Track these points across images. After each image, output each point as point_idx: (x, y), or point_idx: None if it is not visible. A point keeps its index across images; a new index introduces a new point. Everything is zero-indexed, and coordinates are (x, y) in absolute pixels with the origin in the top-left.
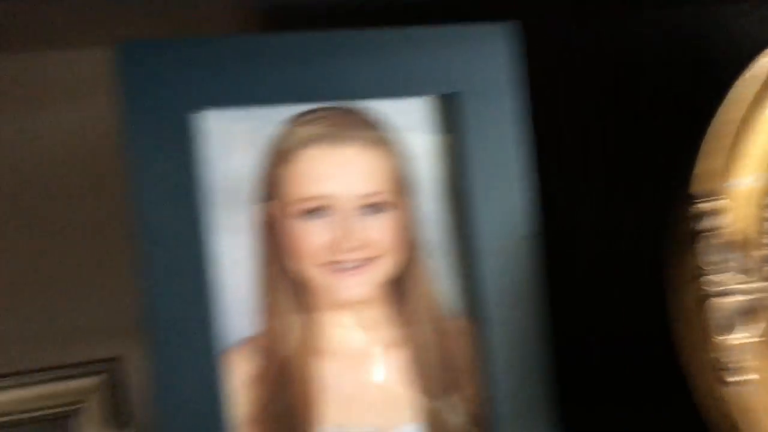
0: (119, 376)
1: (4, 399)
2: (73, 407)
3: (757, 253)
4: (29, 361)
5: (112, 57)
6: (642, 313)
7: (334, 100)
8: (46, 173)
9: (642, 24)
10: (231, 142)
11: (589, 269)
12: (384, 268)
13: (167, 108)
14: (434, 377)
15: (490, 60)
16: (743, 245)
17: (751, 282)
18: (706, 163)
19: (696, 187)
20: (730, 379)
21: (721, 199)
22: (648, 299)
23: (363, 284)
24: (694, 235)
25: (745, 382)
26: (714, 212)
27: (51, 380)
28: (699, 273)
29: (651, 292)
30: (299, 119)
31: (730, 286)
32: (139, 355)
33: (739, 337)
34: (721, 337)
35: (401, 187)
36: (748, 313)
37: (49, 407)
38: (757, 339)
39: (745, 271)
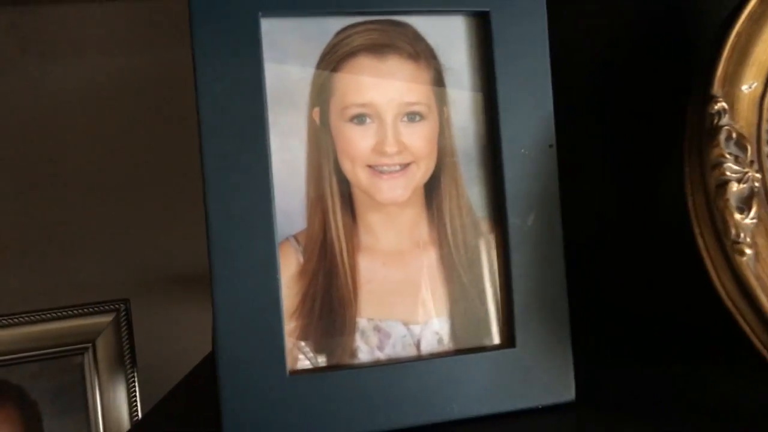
0: (128, 317)
1: (20, 335)
2: (84, 345)
3: (761, 149)
4: (46, 303)
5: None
6: (651, 240)
7: (380, 12)
8: (70, 125)
9: None
10: (287, 50)
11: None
12: (421, 173)
13: (231, 13)
14: (462, 275)
15: None
16: (748, 141)
17: (753, 172)
18: (718, 69)
19: (711, 89)
20: (745, 250)
21: (732, 100)
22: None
23: (402, 187)
24: (711, 131)
25: (755, 254)
26: (725, 111)
27: (64, 317)
28: (714, 162)
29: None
30: (348, 31)
31: (737, 175)
32: (146, 302)
33: (746, 217)
34: (737, 216)
35: (437, 99)
36: (750, 199)
37: (63, 344)
38: (755, 220)
39: (750, 163)
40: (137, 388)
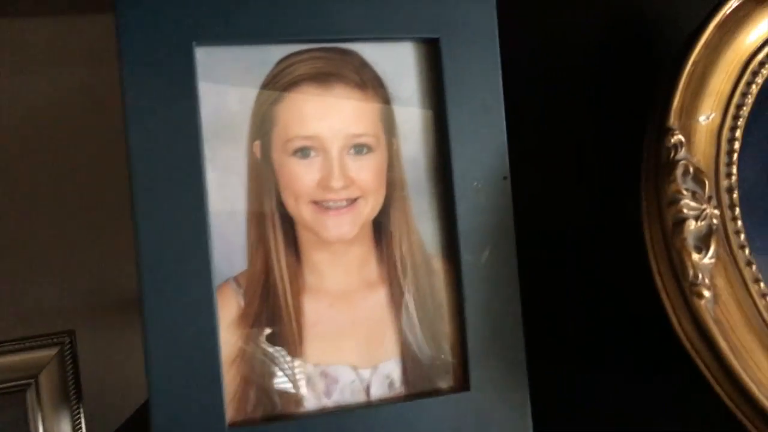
0: (73, 350)
1: None
2: (28, 381)
3: (719, 183)
4: None
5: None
6: (607, 264)
7: (324, 40)
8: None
9: None
10: (224, 81)
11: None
12: (369, 208)
13: (164, 43)
14: (414, 315)
15: (469, 5)
16: (706, 175)
17: (711, 208)
18: (674, 100)
19: (668, 121)
20: (704, 292)
21: (688, 132)
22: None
23: (349, 223)
24: (667, 165)
25: (714, 296)
26: (682, 144)
27: (4, 352)
28: (671, 199)
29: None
30: (290, 59)
31: (694, 212)
32: (91, 330)
33: (704, 257)
34: (695, 257)
35: (385, 130)
36: (708, 237)
37: (4, 381)
38: (714, 260)
39: (708, 199)
40: (83, 424)
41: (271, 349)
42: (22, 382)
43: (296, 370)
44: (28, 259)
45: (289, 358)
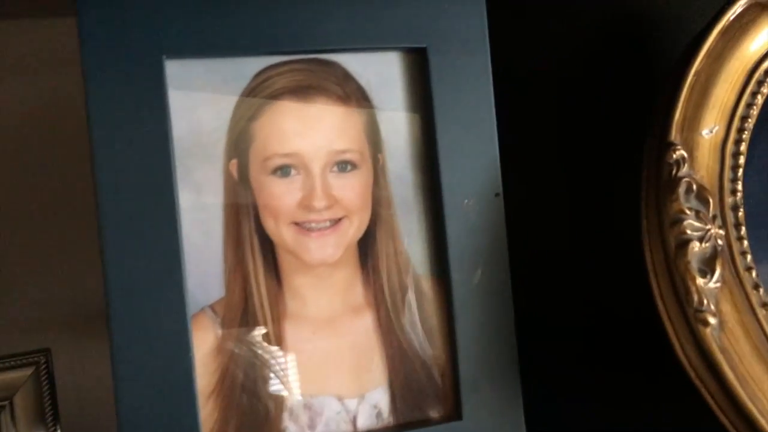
0: (49, 370)
1: None
2: (2, 403)
3: (724, 200)
4: None
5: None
6: (605, 283)
7: (304, 51)
8: None
9: None
10: (197, 96)
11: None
12: (354, 229)
13: (131, 55)
14: (402, 340)
15: (458, 14)
16: (710, 192)
17: (716, 228)
18: (676, 113)
19: (669, 135)
20: (709, 319)
21: (691, 147)
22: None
23: (333, 245)
24: (669, 183)
25: (720, 323)
26: (685, 160)
27: None
28: (673, 219)
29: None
30: (268, 72)
31: (698, 233)
32: (68, 350)
33: (709, 281)
34: (699, 281)
35: (371, 145)
36: (713, 259)
37: None
38: (720, 284)
39: (712, 218)
40: None
41: (250, 381)
42: None
43: (278, 403)
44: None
45: (270, 390)
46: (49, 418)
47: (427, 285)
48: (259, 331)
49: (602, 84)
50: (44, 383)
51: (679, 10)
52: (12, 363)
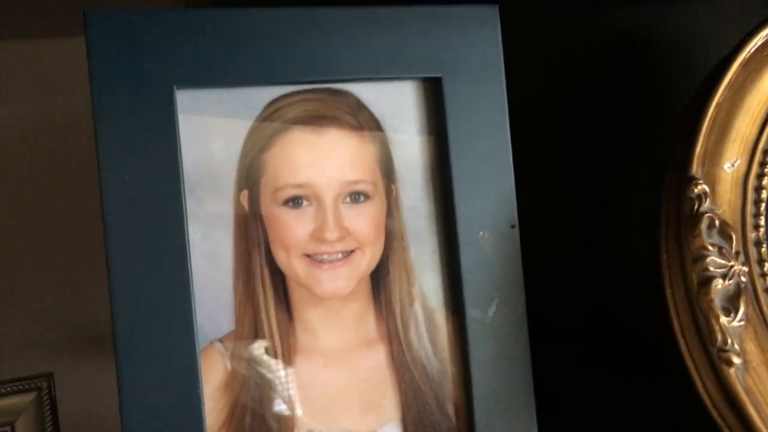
0: (51, 395)
1: None
2: (4, 428)
3: (747, 236)
4: None
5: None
6: (620, 310)
7: (316, 81)
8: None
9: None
10: (208, 126)
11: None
12: (366, 261)
13: (141, 84)
14: (416, 375)
15: (473, 43)
16: (733, 228)
17: (739, 265)
18: (697, 146)
19: (690, 169)
20: (733, 359)
21: (713, 181)
22: (625, 294)
23: (345, 277)
24: (691, 218)
25: (744, 362)
26: (706, 195)
27: None
28: (696, 255)
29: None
30: (279, 102)
31: (721, 270)
32: (71, 372)
33: (733, 320)
34: (723, 320)
35: (384, 175)
36: (736, 297)
37: None
38: (743, 322)
39: (735, 254)
40: None
41: (260, 416)
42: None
43: None
44: (1, 297)
45: (280, 425)
46: None
47: (441, 318)
48: (271, 364)
49: (620, 115)
50: (46, 408)
51: (690, 32)
52: (14, 388)
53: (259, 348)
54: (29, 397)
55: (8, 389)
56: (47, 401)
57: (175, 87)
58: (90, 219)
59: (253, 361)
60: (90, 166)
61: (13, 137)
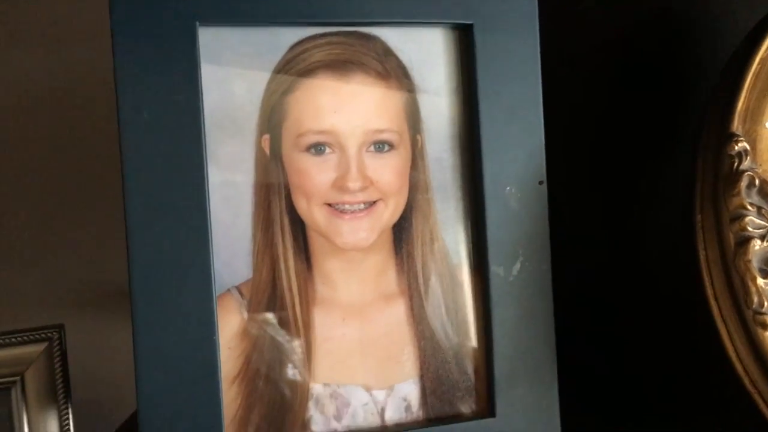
0: (62, 346)
1: None
2: (13, 378)
3: None
4: None
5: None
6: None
7: (343, 24)
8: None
9: None
10: (230, 66)
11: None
12: (389, 213)
13: (162, 21)
14: (435, 332)
15: None
16: None
17: None
18: (738, 103)
19: (731, 126)
20: None
21: (754, 139)
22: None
23: (366, 229)
24: (730, 177)
25: None
26: (747, 153)
27: None
28: (734, 215)
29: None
30: (305, 44)
31: (760, 230)
32: (82, 325)
33: None
34: (760, 281)
35: (409, 125)
36: None
37: None
38: None
39: None
40: (71, 424)
41: (276, 367)
42: (7, 379)
43: (303, 391)
44: (14, 250)
45: (296, 377)
46: (61, 395)
47: (463, 275)
48: (287, 315)
49: (650, 73)
50: (57, 359)
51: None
52: (24, 338)
53: (276, 298)
54: (40, 348)
55: (19, 339)
56: (58, 352)
57: (197, 24)
58: (107, 170)
59: (269, 311)
60: (106, 119)
61: (31, 88)
